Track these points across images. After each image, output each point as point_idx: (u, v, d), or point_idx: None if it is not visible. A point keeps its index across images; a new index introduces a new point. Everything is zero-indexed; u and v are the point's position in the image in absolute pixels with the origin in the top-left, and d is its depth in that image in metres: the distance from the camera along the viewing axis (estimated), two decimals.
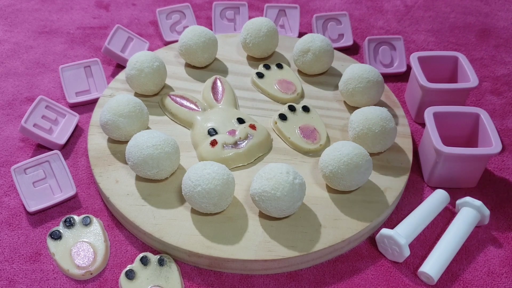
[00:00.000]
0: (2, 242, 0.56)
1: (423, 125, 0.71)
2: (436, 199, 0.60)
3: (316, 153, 0.63)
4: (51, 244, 0.55)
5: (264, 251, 0.52)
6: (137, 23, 0.90)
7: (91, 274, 0.53)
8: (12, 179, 0.62)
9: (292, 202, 0.52)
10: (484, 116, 0.62)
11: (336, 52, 0.77)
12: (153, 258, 0.53)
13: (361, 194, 0.58)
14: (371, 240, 0.57)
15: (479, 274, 0.55)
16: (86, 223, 0.56)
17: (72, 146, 0.67)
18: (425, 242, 0.57)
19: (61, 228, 0.56)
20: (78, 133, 0.69)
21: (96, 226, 0.56)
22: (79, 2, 0.94)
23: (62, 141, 0.66)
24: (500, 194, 0.63)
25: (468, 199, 0.58)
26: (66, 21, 0.89)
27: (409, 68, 0.79)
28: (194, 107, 0.67)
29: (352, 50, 0.85)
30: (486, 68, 0.82)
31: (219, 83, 0.70)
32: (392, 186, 0.59)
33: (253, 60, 0.76)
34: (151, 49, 0.83)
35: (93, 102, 0.72)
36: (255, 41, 0.73)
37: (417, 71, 0.68)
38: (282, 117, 0.65)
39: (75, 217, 0.57)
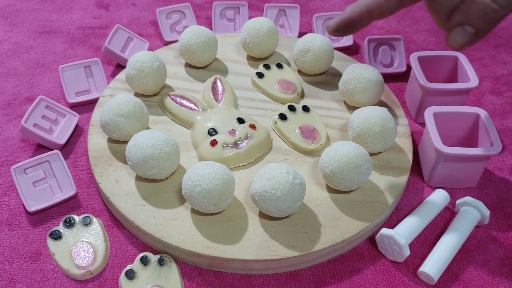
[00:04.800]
0: (2, 242, 0.56)
1: (423, 125, 0.71)
2: (436, 199, 0.60)
3: (316, 153, 0.63)
4: (51, 244, 0.55)
5: (264, 251, 0.52)
6: (137, 23, 0.90)
7: (91, 274, 0.53)
8: (12, 179, 0.62)
9: (292, 202, 0.52)
10: (484, 116, 0.62)
11: (336, 52, 0.77)
12: (153, 258, 0.53)
13: (361, 194, 0.58)
14: (371, 240, 0.57)
15: (479, 274, 0.55)
16: (86, 223, 0.56)
17: (72, 146, 0.67)
18: (425, 242, 0.57)
19: (61, 228, 0.56)
20: (78, 133, 0.69)
21: (96, 226, 0.56)
22: (79, 2, 0.94)
23: (62, 141, 0.66)
24: (500, 194, 0.63)
25: (468, 199, 0.58)
26: (66, 21, 0.89)
27: (409, 68, 0.79)
28: (194, 107, 0.67)
29: (352, 50, 0.85)
30: (486, 68, 0.82)
31: (219, 83, 0.70)
32: (392, 186, 0.59)
33: (253, 60, 0.76)
34: (151, 49, 0.83)
35: (93, 102, 0.72)
36: (255, 41, 0.73)
37: (417, 71, 0.68)
38: (282, 117, 0.65)
39: (75, 217, 0.57)
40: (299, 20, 0.86)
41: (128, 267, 0.53)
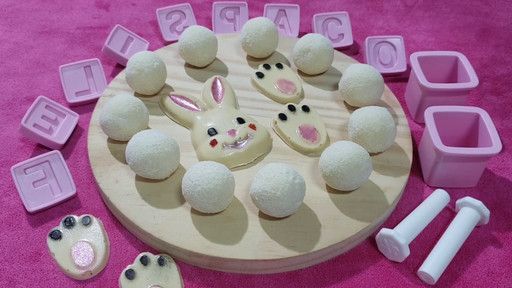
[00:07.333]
0: (2, 242, 0.56)
1: (423, 125, 0.71)
2: (436, 199, 0.60)
3: (316, 153, 0.63)
4: (51, 244, 0.55)
5: (264, 251, 0.52)
6: (137, 23, 0.90)
7: (91, 274, 0.53)
8: (12, 179, 0.62)
9: (292, 202, 0.52)
10: (484, 116, 0.62)
11: (336, 52, 0.77)
12: (153, 258, 0.53)
13: (361, 194, 0.58)
14: (371, 240, 0.57)
15: (479, 274, 0.55)
16: (86, 223, 0.56)
17: (72, 146, 0.67)
18: (425, 242, 0.57)
19: (61, 228, 0.56)
20: (78, 133, 0.69)
21: (96, 226, 0.56)
22: (79, 2, 0.94)
23: (62, 141, 0.66)
24: (500, 194, 0.63)
25: (468, 199, 0.58)
26: (66, 21, 0.89)
27: (409, 68, 0.79)
28: (194, 107, 0.67)
29: (352, 50, 0.85)
30: (486, 68, 0.82)
31: (219, 83, 0.70)
32: (392, 186, 0.59)
33: (253, 60, 0.76)
34: (151, 49, 0.83)
35: (93, 102, 0.72)
36: (255, 41, 0.73)
37: (417, 71, 0.68)
38: (282, 117, 0.65)
39: (75, 217, 0.57)
40: (299, 20, 0.86)
41: (128, 267, 0.53)
